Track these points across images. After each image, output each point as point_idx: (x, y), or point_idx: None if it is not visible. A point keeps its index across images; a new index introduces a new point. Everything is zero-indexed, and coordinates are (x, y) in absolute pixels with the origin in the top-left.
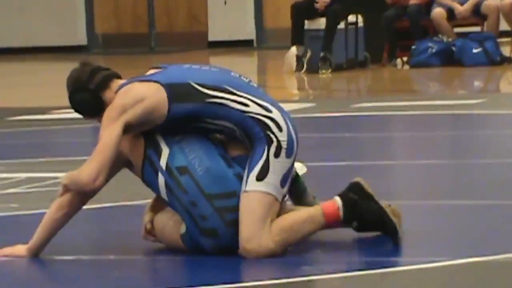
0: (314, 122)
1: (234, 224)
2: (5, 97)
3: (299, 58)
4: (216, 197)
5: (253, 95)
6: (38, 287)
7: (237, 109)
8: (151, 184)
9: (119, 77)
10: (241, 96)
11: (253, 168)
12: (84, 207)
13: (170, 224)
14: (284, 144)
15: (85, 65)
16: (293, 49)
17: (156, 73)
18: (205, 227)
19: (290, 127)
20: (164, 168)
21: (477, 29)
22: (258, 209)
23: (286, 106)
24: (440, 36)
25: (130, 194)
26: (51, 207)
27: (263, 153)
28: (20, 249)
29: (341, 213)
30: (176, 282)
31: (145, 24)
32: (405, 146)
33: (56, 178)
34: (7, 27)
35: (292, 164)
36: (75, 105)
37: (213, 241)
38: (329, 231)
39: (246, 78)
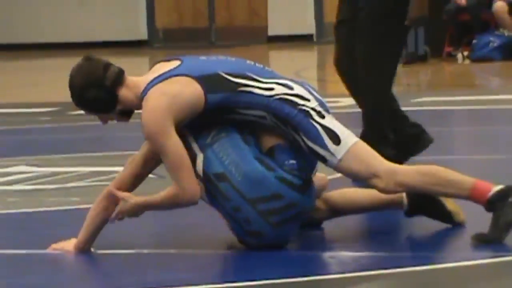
0: None
1: (281, 224)
2: (66, 91)
3: None
4: (258, 201)
5: (273, 78)
6: (100, 280)
7: (263, 95)
8: None
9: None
10: (264, 82)
11: (322, 142)
12: None
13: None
14: (318, 108)
15: (93, 60)
16: None
17: (176, 67)
18: (250, 229)
19: (315, 93)
20: (201, 175)
21: None
22: (360, 159)
23: (345, 101)
24: (501, 30)
25: None
26: (94, 206)
27: (313, 126)
28: (71, 244)
29: (490, 195)
30: (236, 277)
31: (205, 18)
32: (466, 141)
33: (117, 172)
34: (67, 22)
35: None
36: (87, 102)
37: (257, 240)
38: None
39: (260, 65)
